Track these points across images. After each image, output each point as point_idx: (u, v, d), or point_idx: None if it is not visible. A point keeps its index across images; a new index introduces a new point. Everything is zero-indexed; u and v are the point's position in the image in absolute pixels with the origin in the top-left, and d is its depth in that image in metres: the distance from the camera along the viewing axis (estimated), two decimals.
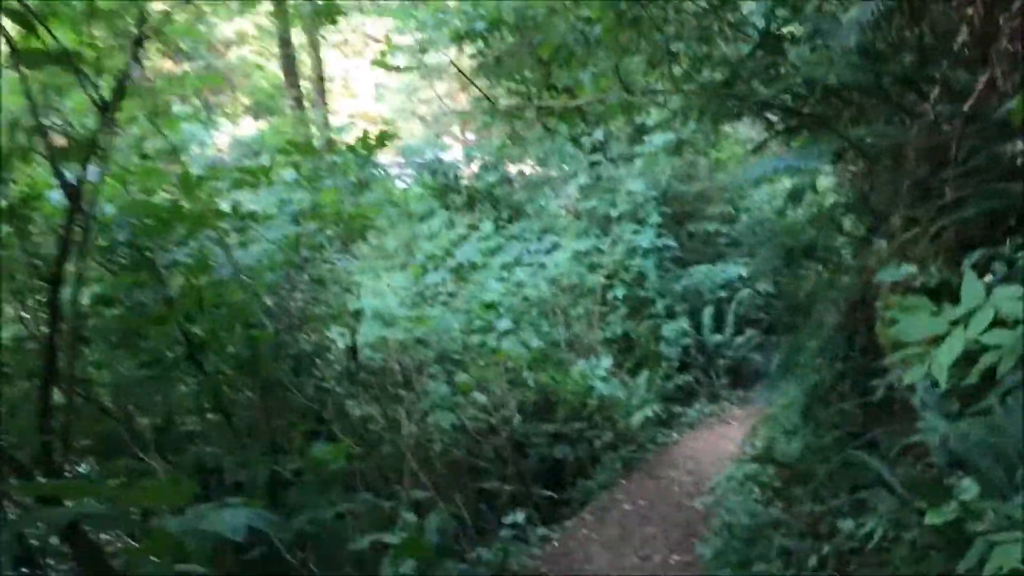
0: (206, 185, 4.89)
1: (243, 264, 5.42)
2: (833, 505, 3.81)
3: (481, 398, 7.08)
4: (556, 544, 6.62)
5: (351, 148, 5.38)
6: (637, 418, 9.07)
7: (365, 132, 7.06)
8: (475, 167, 13.36)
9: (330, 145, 11.82)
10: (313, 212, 6.03)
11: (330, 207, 5.53)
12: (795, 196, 6.02)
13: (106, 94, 3.59)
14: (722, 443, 9.21)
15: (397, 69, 12.15)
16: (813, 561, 3.79)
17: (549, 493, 7.33)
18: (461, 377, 6.93)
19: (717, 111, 6.35)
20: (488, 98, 8.56)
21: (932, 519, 2.41)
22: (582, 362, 9.23)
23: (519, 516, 6.64)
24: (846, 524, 3.46)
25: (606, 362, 9.20)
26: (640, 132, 12.02)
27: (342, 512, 4.48)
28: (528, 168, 13.52)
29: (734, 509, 6.00)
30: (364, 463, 6.46)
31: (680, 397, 10.56)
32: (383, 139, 7.25)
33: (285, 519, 4.26)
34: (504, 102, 10.93)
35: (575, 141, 11.78)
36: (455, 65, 8.73)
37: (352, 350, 6.28)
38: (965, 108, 3.22)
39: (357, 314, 8.76)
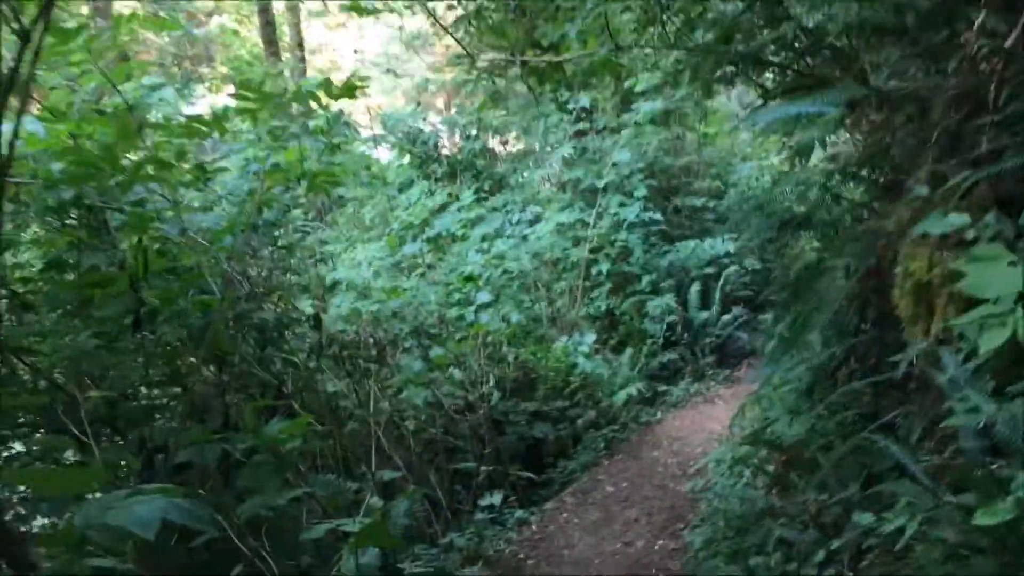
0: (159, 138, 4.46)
1: (201, 226, 5.01)
2: (843, 495, 3.45)
3: (458, 374, 6.69)
4: (534, 528, 6.28)
5: (311, 93, 4.89)
6: (620, 396, 8.72)
7: (327, 78, 6.59)
8: (457, 139, 12.93)
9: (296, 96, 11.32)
10: (273, 169, 5.59)
11: (293, 165, 5.08)
12: (803, 151, 5.59)
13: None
14: (708, 423, 8.89)
15: (371, 13, 11.57)
16: (820, 556, 3.44)
17: (528, 474, 6.97)
18: (437, 351, 6.53)
19: (711, 72, 5.96)
20: (466, 51, 8.09)
21: (984, 519, 2.04)
22: (564, 338, 8.87)
23: (495, 498, 6.29)
24: (864, 517, 3.09)
25: (590, 338, 8.84)
26: (627, 101, 11.61)
27: (299, 496, 4.08)
28: (511, 141, 13.10)
29: (725, 494, 5.67)
30: (332, 442, 6.09)
31: (665, 375, 10.22)
32: (350, 88, 6.79)
33: (237, 502, 3.86)
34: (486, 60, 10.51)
35: (560, 106, 11.35)
36: (431, 14, 8.22)
37: (316, 320, 5.85)
38: (1006, 45, 2.84)
39: (332, 285, 8.36)
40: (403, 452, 6.55)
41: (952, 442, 2.83)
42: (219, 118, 4.25)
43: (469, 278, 7.99)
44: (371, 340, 7.09)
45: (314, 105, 5.55)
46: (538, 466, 8.13)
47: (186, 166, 4.85)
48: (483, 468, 6.68)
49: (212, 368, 4.95)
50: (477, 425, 7.64)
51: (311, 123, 6.42)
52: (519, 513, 6.40)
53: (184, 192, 5.12)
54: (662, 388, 9.76)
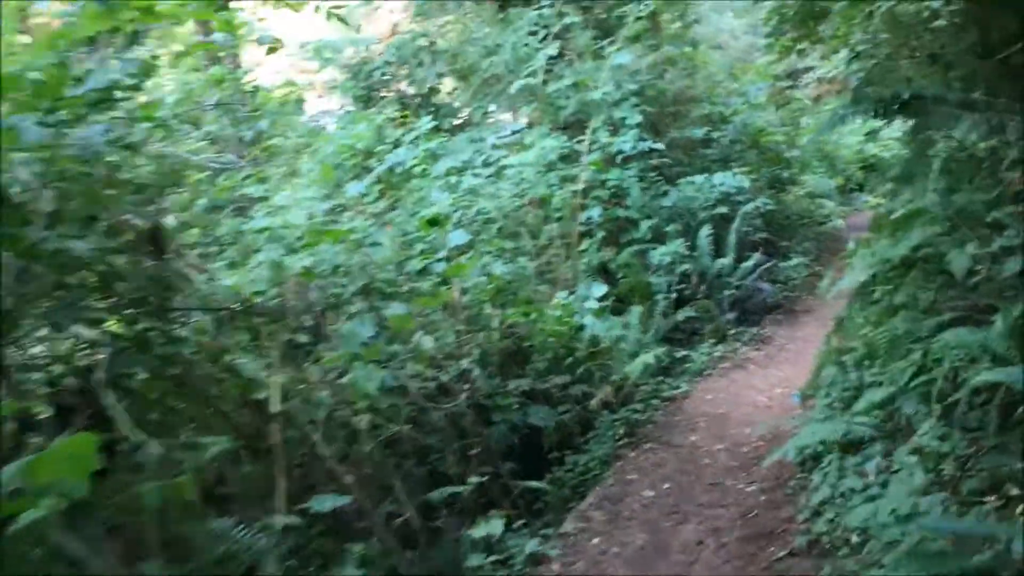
0: None
1: None
2: None
3: (428, 343, 4.64)
4: (556, 567, 4.27)
5: None
6: (636, 367, 6.73)
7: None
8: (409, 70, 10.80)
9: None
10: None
11: None
12: None
13: None
14: (746, 394, 6.99)
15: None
16: None
17: (535, 485, 4.94)
18: (394, 311, 4.46)
19: None
20: None
21: None
22: (563, 295, 6.86)
23: (495, 525, 4.28)
24: None
25: (599, 290, 6.86)
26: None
27: None
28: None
29: (850, 500, 3.73)
30: (241, 461, 4.07)
31: (680, 339, 8.28)
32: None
33: None
34: None
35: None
36: None
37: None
38: None
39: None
40: (354, 463, 4.52)
41: None
42: None
43: (433, 221, 5.93)
44: (304, 305, 5.03)
45: None
46: (537, 463, 6.16)
47: None
48: (472, 481, 4.64)
49: None
50: (457, 414, 5.64)
51: None
52: (531, 544, 4.37)
53: None
54: (680, 353, 7.81)
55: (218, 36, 5.46)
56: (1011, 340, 3.15)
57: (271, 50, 4.65)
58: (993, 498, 2.93)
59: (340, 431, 4.55)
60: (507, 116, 10.46)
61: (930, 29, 8.32)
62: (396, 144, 8.25)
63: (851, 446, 4.36)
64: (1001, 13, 4.49)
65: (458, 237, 5.36)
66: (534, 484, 4.83)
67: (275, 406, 4.28)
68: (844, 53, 15.23)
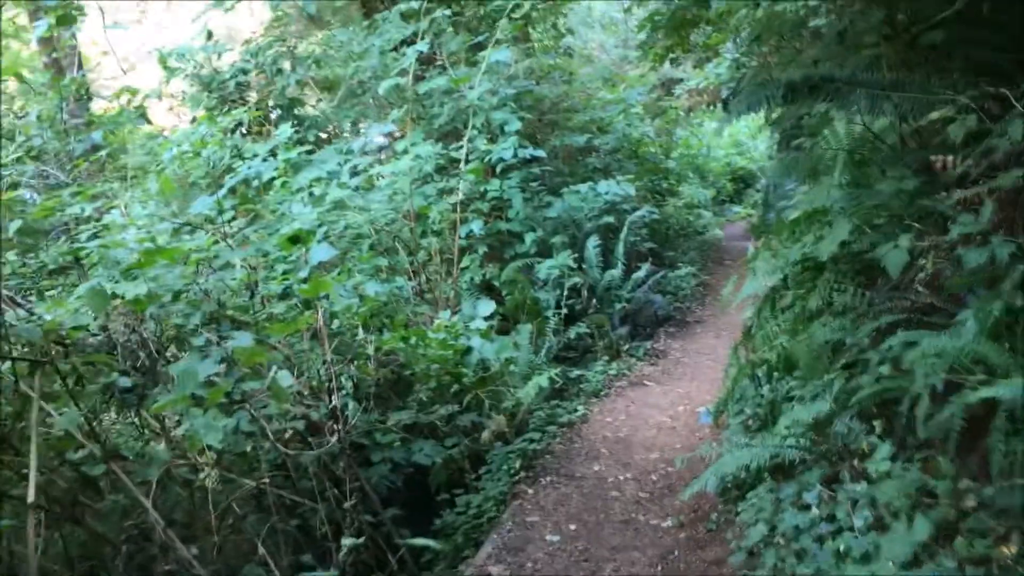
0: None
1: None
2: None
3: (285, 379, 3.86)
4: None
5: None
6: (528, 390, 6.12)
7: None
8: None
9: None
10: None
11: None
12: None
13: None
14: (647, 414, 6.49)
15: None
16: None
17: (422, 542, 4.19)
18: (243, 341, 3.66)
19: None
20: None
21: None
22: (445, 315, 6.18)
23: None
24: None
25: (486, 308, 6.20)
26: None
27: None
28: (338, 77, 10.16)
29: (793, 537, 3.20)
30: (57, 533, 3.21)
31: (573, 357, 7.75)
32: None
33: None
34: None
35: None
36: None
37: None
38: None
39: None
40: (201, 530, 3.70)
41: None
42: None
43: (295, 238, 5.12)
44: (132, 340, 4.16)
45: None
46: (424, 506, 5.46)
47: None
48: (346, 543, 3.86)
49: None
50: (329, 457, 4.86)
51: None
52: None
53: None
54: (574, 373, 7.26)
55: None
56: (997, 344, 2.67)
57: (62, 19, 3.80)
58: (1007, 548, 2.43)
59: (181, 492, 3.72)
60: (376, 127, 9.73)
61: (810, 29, 8.17)
62: (252, 156, 7.37)
63: (780, 472, 3.86)
64: None
65: (322, 253, 4.59)
66: (420, 542, 4.09)
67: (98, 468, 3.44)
68: (715, 64, 15.34)
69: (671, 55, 12.66)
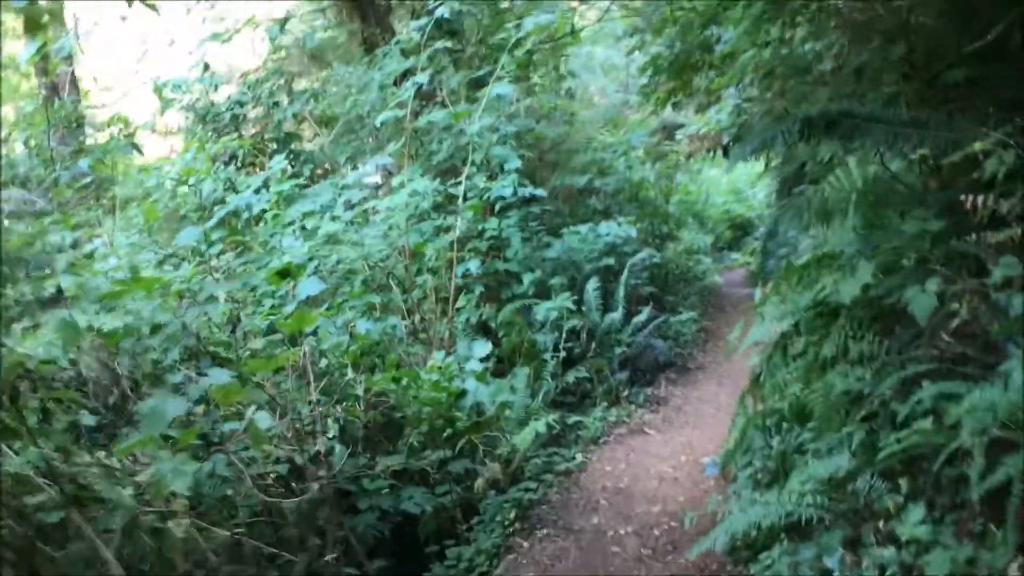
0: None
1: None
2: None
3: (264, 421, 3.59)
4: None
5: None
6: (525, 436, 5.83)
7: None
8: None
9: None
10: None
11: None
12: None
13: None
14: (648, 463, 6.20)
15: None
16: None
17: None
18: (220, 379, 3.39)
19: None
20: None
21: None
22: (439, 356, 5.92)
23: None
24: None
25: (482, 349, 5.95)
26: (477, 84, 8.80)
27: None
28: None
29: None
30: None
31: (571, 402, 7.47)
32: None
33: None
34: None
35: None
36: None
37: None
38: None
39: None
40: None
41: None
42: None
43: (284, 272, 4.89)
44: (104, 376, 3.90)
45: None
46: (413, 557, 5.16)
47: None
48: None
49: None
50: (312, 504, 4.58)
51: None
52: None
53: None
54: (572, 419, 6.98)
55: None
56: None
57: (30, 24, 3.60)
58: None
59: (149, 542, 3.43)
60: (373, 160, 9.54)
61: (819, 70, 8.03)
62: (244, 188, 7.17)
63: (796, 531, 3.59)
64: (935, 26, 3.97)
65: (310, 287, 4.35)
66: None
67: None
68: (716, 109, 15.28)
69: (673, 99, 12.61)
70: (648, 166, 14.25)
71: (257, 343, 4.67)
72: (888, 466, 3.23)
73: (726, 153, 21.40)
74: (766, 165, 16.55)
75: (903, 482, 3.14)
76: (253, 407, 3.50)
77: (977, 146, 2.85)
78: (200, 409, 3.87)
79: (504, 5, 10.12)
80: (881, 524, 3.09)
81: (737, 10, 8.77)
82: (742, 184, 21.13)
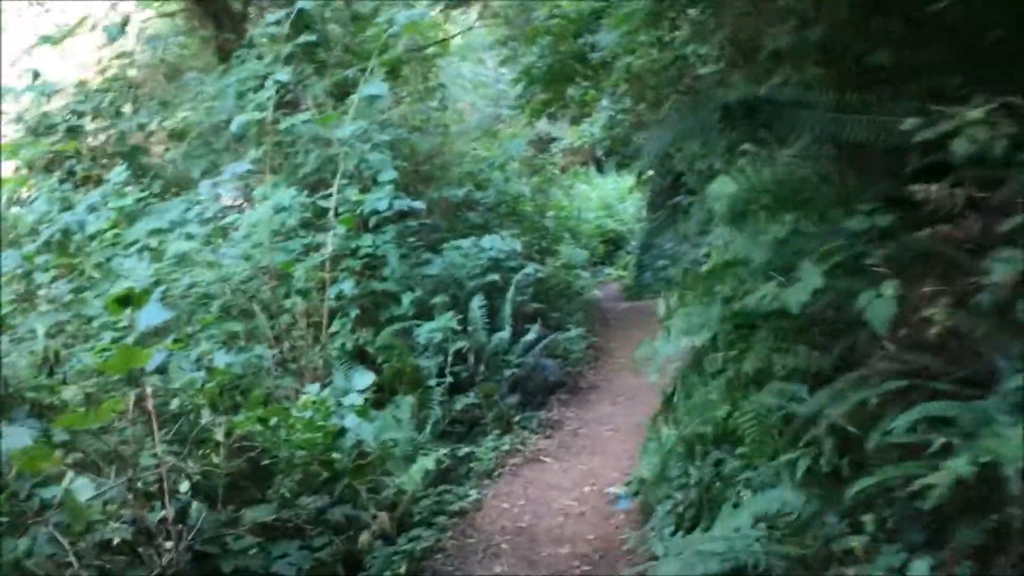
0: None
1: None
2: None
3: (85, 490, 2.81)
4: None
5: None
6: (413, 475, 5.20)
7: None
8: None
9: None
10: None
11: None
12: None
13: None
14: (549, 497, 5.68)
15: None
16: None
17: None
18: (14, 440, 2.59)
19: None
20: None
21: None
22: (313, 389, 5.22)
23: None
24: None
25: (363, 380, 5.28)
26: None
27: None
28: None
29: None
30: None
31: (460, 432, 6.87)
32: None
33: None
34: None
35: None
36: None
37: None
38: None
39: None
40: None
41: None
42: None
43: (125, 300, 4.11)
44: None
45: None
46: None
47: None
48: None
49: None
50: (165, 571, 3.81)
51: None
52: None
53: None
54: (463, 450, 6.38)
55: None
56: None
57: None
58: None
59: None
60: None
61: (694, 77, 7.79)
62: (76, 205, 6.24)
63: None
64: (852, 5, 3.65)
65: (152, 315, 3.62)
66: None
67: None
68: (589, 122, 15.11)
69: (547, 110, 12.32)
70: (524, 180, 13.91)
71: (89, 384, 3.85)
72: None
73: (599, 167, 21.44)
74: (637, 179, 16.59)
75: (867, 519, 2.71)
76: (70, 473, 2.75)
77: (972, 115, 2.45)
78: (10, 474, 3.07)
79: (364, 10, 9.52)
80: (850, 572, 2.64)
81: (615, 14, 8.51)
82: (612, 199, 21.14)
